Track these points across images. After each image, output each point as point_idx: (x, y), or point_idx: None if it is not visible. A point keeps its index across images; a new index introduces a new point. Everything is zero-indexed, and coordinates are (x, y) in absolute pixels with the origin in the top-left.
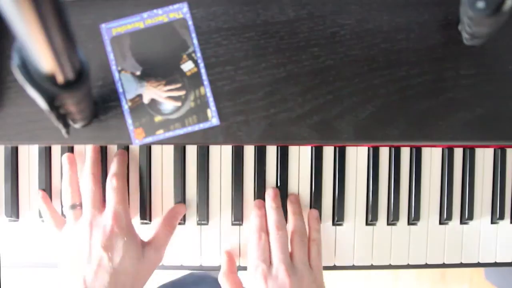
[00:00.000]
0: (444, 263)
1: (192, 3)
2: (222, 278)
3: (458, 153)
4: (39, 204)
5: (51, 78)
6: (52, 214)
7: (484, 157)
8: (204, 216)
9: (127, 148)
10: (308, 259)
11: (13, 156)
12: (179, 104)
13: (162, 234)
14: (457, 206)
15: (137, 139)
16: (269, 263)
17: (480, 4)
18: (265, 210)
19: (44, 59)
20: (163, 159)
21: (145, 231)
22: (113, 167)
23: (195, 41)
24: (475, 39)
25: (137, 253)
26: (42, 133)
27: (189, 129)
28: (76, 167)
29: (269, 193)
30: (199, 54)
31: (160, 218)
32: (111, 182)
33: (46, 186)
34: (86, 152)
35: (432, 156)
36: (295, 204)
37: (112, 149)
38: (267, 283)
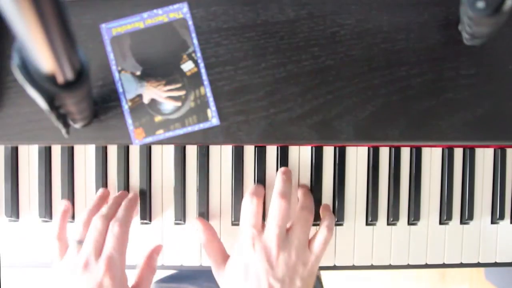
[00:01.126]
0: (444, 263)
1: (192, 3)
2: (204, 248)
3: (458, 153)
4: (57, 215)
5: (51, 78)
6: (59, 236)
7: (484, 157)
8: (204, 216)
9: (127, 148)
10: (311, 241)
11: (13, 156)
12: (179, 104)
13: (145, 278)
14: (457, 206)
15: (137, 139)
16: (261, 229)
17: (480, 4)
18: (263, 187)
19: (44, 59)
20: (163, 159)
21: (145, 232)
22: (120, 212)
23: (195, 41)
24: (475, 39)
25: None
26: (42, 133)
27: (189, 129)
28: (103, 204)
29: (282, 169)
30: (199, 54)
31: (160, 218)
32: (113, 228)
33: (46, 186)
34: (116, 195)
35: (432, 156)
36: (306, 188)
37: (112, 149)
38: (254, 248)
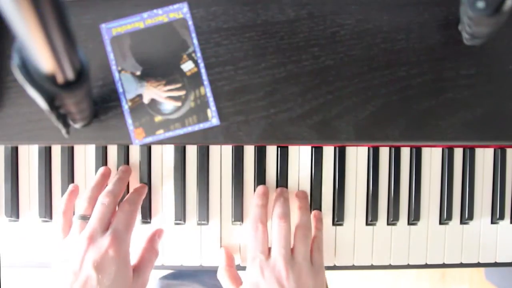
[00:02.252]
0: (444, 263)
1: (192, 3)
2: (221, 273)
3: (458, 153)
4: (64, 196)
5: (51, 78)
6: (65, 212)
7: (484, 157)
8: (204, 216)
9: (127, 148)
10: (311, 256)
11: (13, 156)
12: (179, 104)
13: (147, 259)
14: (457, 206)
15: (137, 139)
16: (268, 254)
17: (480, 4)
18: (266, 200)
19: (44, 59)
20: (163, 159)
21: (145, 231)
22: (130, 195)
23: (195, 41)
24: (475, 39)
25: (126, 282)
26: (42, 133)
27: (189, 129)
28: (106, 182)
29: (278, 190)
30: (199, 54)
31: (160, 218)
32: (123, 206)
33: (46, 186)
34: (118, 170)
35: (432, 156)
36: (302, 199)
37: (112, 149)
38: (263, 273)
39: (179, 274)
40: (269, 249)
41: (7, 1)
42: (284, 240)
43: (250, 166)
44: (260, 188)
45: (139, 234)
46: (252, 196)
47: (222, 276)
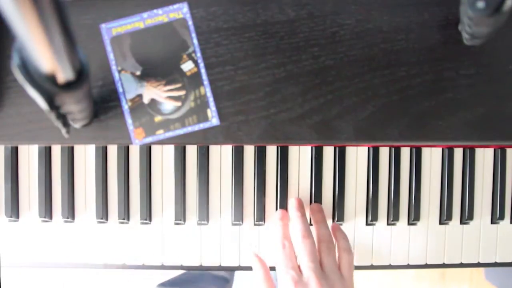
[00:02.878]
0: (444, 263)
1: (192, 3)
2: (260, 283)
3: (458, 153)
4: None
5: (51, 78)
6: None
7: (484, 157)
8: (204, 216)
9: (127, 148)
10: (339, 268)
11: (13, 156)
12: (179, 104)
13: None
14: (457, 206)
15: (137, 139)
16: (299, 271)
17: (480, 4)
18: (287, 220)
19: (44, 59)
20: (163, 159)
21: (145, 231)
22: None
23: (195, 41)
24: (475, 39)
25: None
26: (42, 133)
27: (189, 129)
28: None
29: (293, 203)
30: (199, 54)
31: (160, 218)
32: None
33: (46, 186)
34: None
35: (432, 156)
36: (318, 213)
37: (112, 149)
38: None
39: (177, 281)
40: (299, 266)
41: (7, 1)
42: (312, 255)
43: (250, 166)
44: (279, 212)
45: (139, 234)
46: (252, 196)
47: (261, 286)
